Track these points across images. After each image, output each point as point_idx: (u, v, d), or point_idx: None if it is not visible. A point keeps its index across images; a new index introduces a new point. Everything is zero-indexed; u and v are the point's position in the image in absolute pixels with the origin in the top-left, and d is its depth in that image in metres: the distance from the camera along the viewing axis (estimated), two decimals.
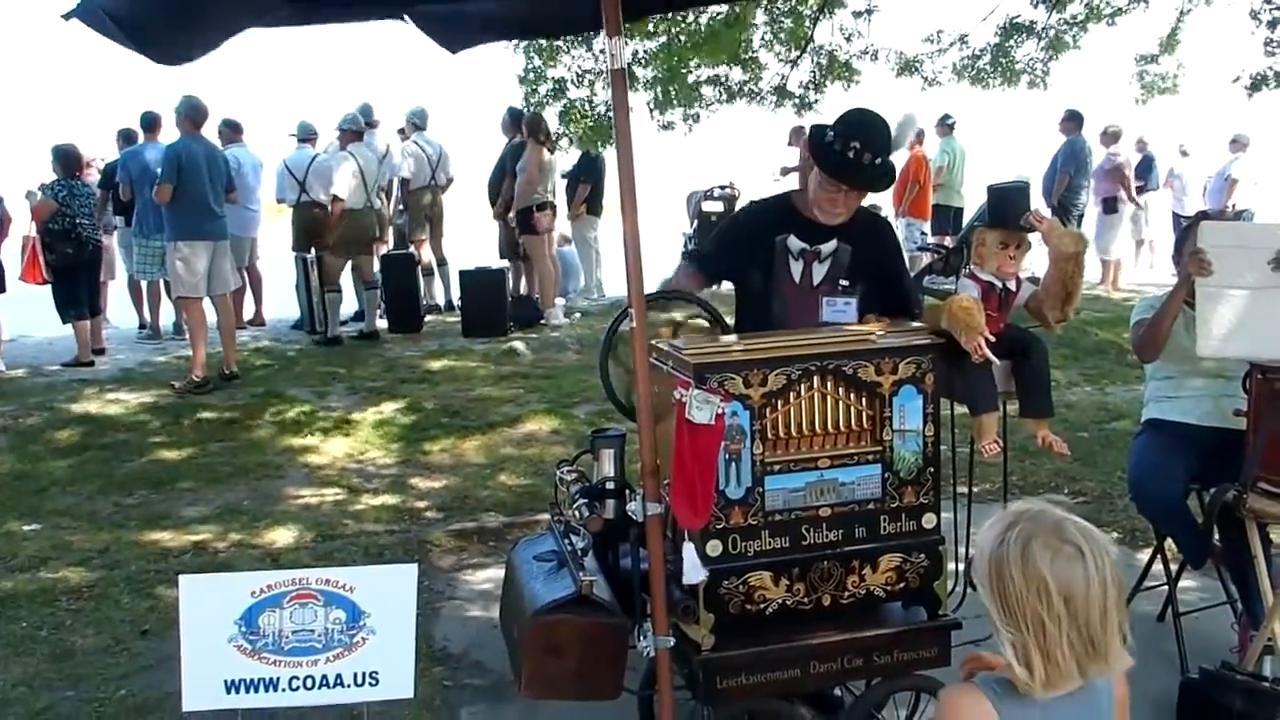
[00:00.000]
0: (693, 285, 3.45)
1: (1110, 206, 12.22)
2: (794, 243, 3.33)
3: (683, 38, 9.49)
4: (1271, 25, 9.56)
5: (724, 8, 9.02)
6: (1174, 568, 4.00)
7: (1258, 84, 9.77)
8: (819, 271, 3.33)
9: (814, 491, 2.72)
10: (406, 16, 3.03)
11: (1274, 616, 3.42)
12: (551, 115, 10.09)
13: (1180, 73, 10.70)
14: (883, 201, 12.53)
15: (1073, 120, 11.72)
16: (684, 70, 9.82)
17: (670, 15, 9.21)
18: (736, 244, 3.55)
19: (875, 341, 2.77)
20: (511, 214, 10.25)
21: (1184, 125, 13.70)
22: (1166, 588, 4.00)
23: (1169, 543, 4.03)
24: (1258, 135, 13.39)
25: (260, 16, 2.77)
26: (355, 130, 9.81)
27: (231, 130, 10.03)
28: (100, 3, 2.40)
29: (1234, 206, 12.50)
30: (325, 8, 3.01)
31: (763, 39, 10.12)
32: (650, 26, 9.44)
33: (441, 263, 11.33)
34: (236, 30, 2.66)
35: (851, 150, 3.18)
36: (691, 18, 9.46)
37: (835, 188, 3.26)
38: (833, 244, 3.31)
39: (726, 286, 3.60)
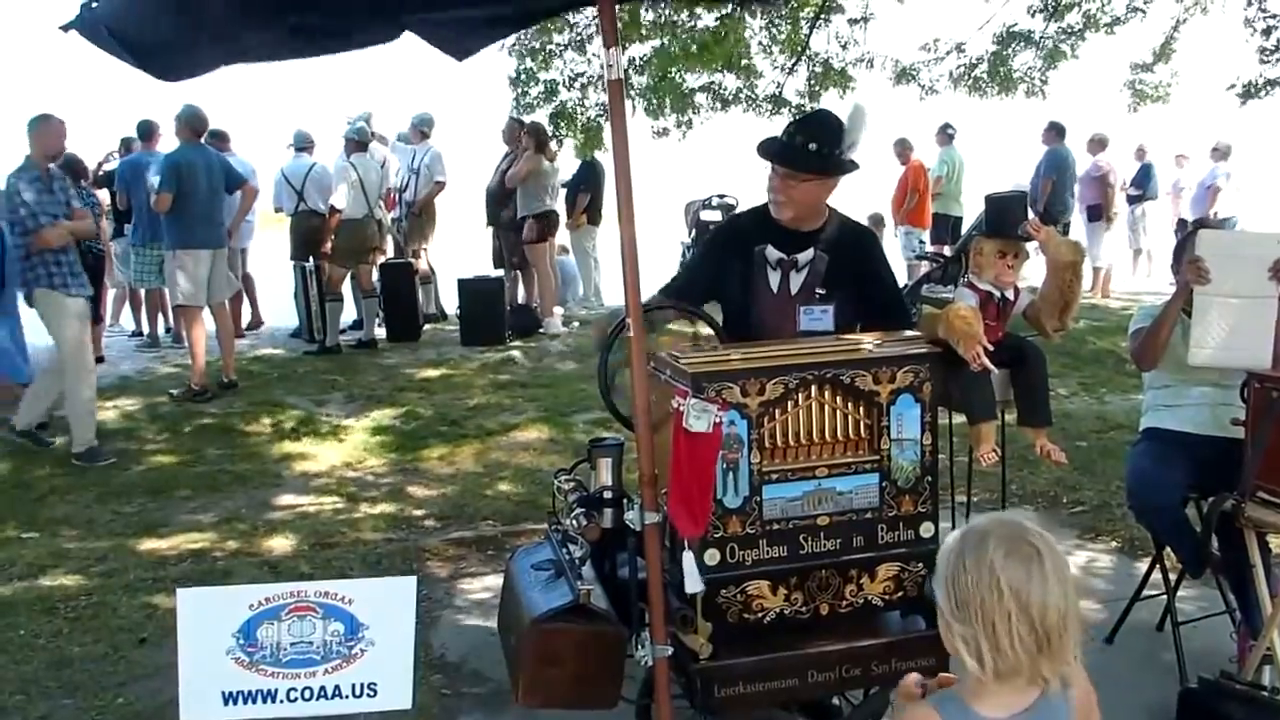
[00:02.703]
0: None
1: (1095, 214, 12.28)
2: (771, 252, 3.36)
3: (676, 45, 9.52)
4: (1266, 33, 9.62)
5: (717, 15, 9.06)
6: (1173, 577, 4.00)
7: (1251, 91, 9.83)
8: (796, 281, 3.36)
9: (812, 500, 2.72)
10: (410, 30, 3.03)
11: (1273, 626, 3.41)
12: (542, 117, 10.12)
13: (1174, 81, 10.76)
14: (884, 211, 12.57)
15: (1053, 130, 11.91)
16: (677, 77, 9.85)
17: (662, 19, 9.24)
18: (716, 255, 3.58)
19: (873, 350, 2.78)
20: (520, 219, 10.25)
21: (1182, 133, 13.77)
22: (1165, 597, 4.00)
23: (1168, 552, 4.03)
24: (1254, 142, 13.47)
25: (256, 51, 2.78)
26: (361, 141, 9.83)
27: (218, 140, 10.04)
28: (99, 16, 2.40)
29: (1216, 214, 12.57)
30: (325, 38, 3.00)
31: (760, 45, 10.16)
32: (643, 30, 9.47)
33: (433, 271, 11.35)
34: (231, 62, 2.67)
35: (786, 134, 3.28)
36: (686, 21, 9.49)
37: (775, 175, 3.30)
38: (809, 253, 3.34)
39: None
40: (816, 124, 3.29)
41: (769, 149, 3.31)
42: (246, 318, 10.86)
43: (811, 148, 3.22)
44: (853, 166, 3.32)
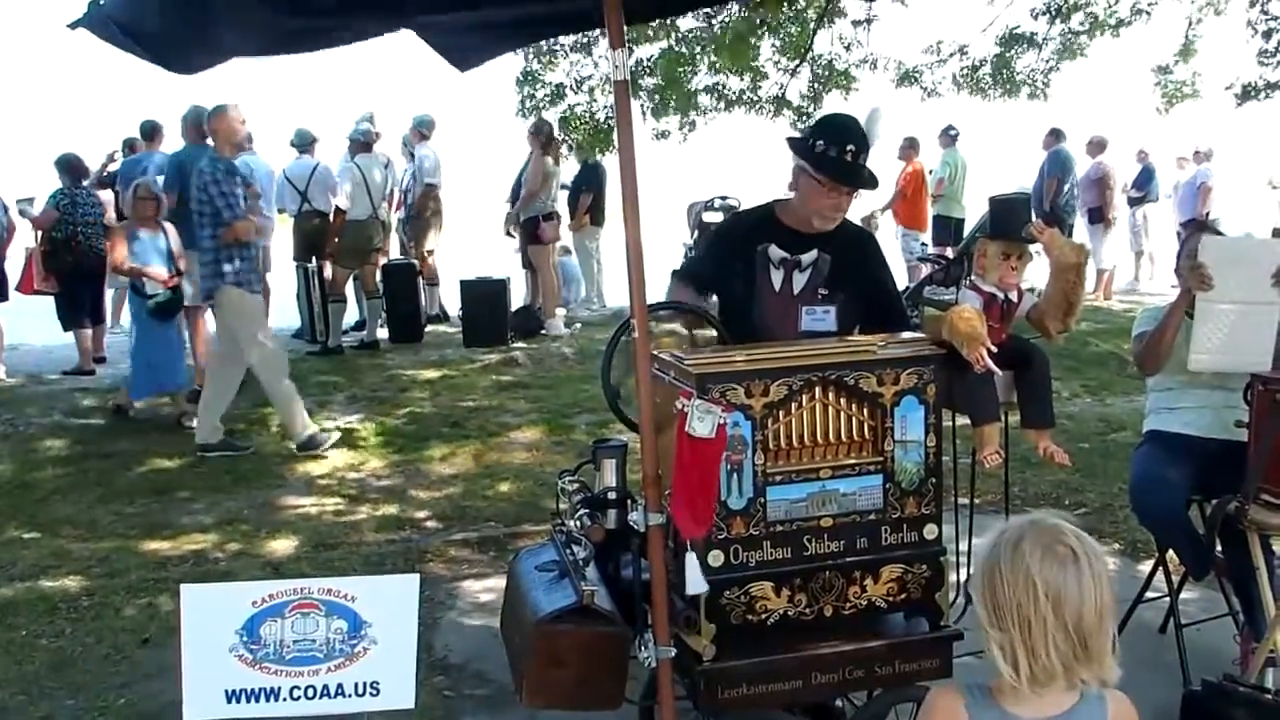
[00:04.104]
0: (686, 299, 3.46)
1: (1095, 216, 12.32)
2: (775, 252, 3.37)
3: (697, 45, 9.52)
4: (1266, 36, 9.64)
5: (738, 11, 9.06)
6: (1175, 579, 4.00)
7: (1249, 93, 9.86)
8: (799, 281, 3.37)
9: (815, 502, 2.71)
10: (418, 34, 3.03)
11: (1276, 628, 3.41)
12: (550, 119, 10.13)
13: (1198, 80, 10.79)
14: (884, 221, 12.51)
15: (1053, 135, 12.05)
16: (683, 78, 9.86)
17: (673, 22, 9.26)
18: (720, 253, 3.59)
19: (877, 352, 2.77)
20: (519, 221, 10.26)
21: (1184, 136, 13.77)
22: (1168, 599, 3.99)
23: (1171, 554, 4.03)
24: (1255, 145, 13.48)
25: (260, 46, 2.78)
26: (365, 141, 9.83)
27: None
28: (109, 11, 2.40)
29: (1208, 214, 12.60)
30: (326, 32, 3.01)
31: (771, 46, 10.18)
32: (650, 31, 9.49)
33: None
34: (239, 55, 2.68)
35: (848, 154, 3.26)
36: (702, 21, 9.50)
37: (838, 192, 3.31)
38: (813, 254, 3.36)
39: None
40: (855, 134, 3.29)
41: (839, 173, 3.27)
42: None
43: (862, 161, 3.27)
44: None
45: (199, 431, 6.87)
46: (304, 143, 10.29)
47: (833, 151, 3.25)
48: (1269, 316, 3.62)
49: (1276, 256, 3.66)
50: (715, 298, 3.55)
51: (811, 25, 10.03)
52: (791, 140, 3.45)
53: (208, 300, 6.79)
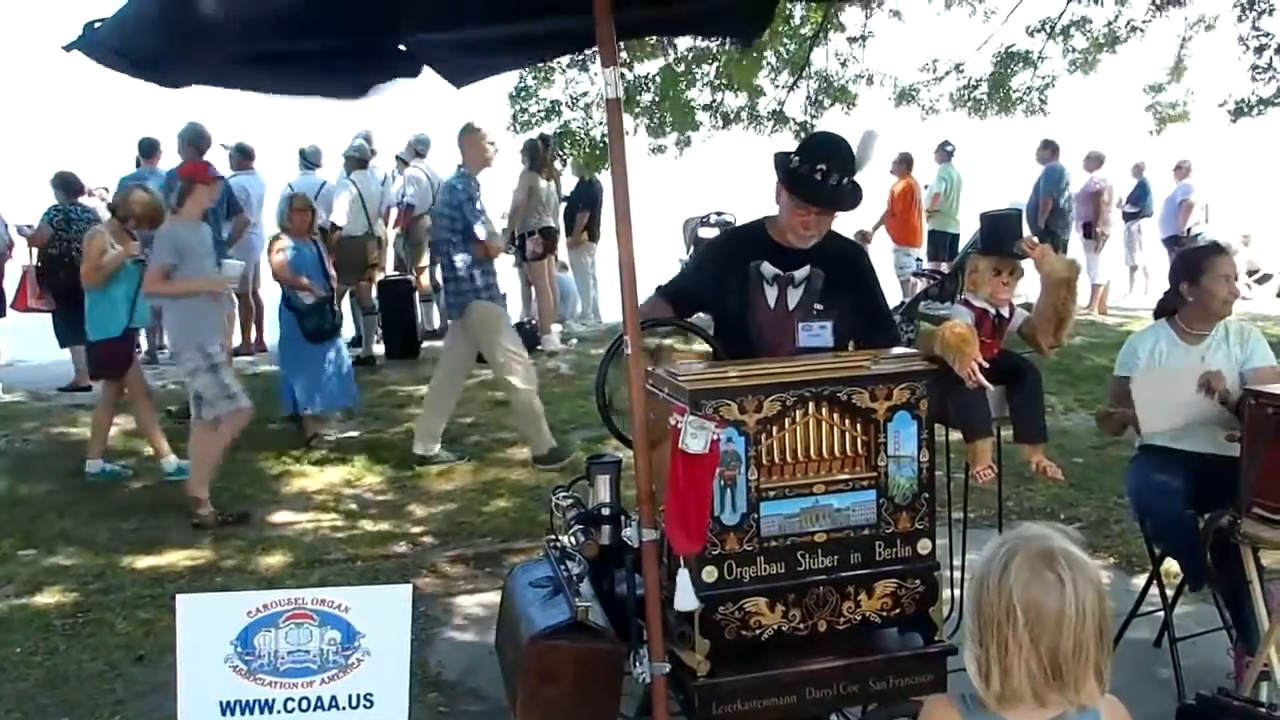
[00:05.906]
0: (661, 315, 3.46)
1: (1089, 231, 12.36)
2: (768, 268, 3.38)
3: (696, 63, 9.53)
4: (1259, 51, 9.71)
5: None
6: (1170, 593, 4.01)
7: (1242, 109, 9.92)
8: (793, 297, 3.38)
9: (809, 517, 2.72)
10: (418, 57, 3.05)
11: (1269, 642, 3.42)
12: (545, 135, 10.15)
13: (1189, 99, 10.87)
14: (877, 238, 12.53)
15: (1048, 149, 12.04)
16: (680, 95, 9.89)
17: (670, 40, 9.29)
18: (711, 271, 3.59)
19: (870, 368, 2.78)
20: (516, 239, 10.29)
21: (1182, 150, 13.79)
22: (1163, 613, 4.00)
23: (1165, 568, 4.03)
24: (1256, 159, 13.51)
25: (260, 83, 2.82)
26: (360, 158, 9.86)
27: (243, 156, 10.05)
28: (102, 35, 2.42)
29: (1189, 230, 12.63)
30: (336, 75, 3.05)
31: (767, 61, 10.22)
32: (649, 49, 9.53)
33: (436, 289, 11.34)
34: (235, 87, 2.71)
35: (819, 173, 3.24)
36: (700, 39, 9.53)
37: (806, 211, 3.30)
38: (806, 269, 3.36)
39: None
40: (836, 154, 3.28)
41: (806, 191, 3.27)
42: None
43: (835, 181, 3.25)
44: (861, 192, 3.39)
45: (417, 443, 6.89)
46: (312, 160, 10.30)
47: (804, 169, 3.25)
48: (1207, 415, 3.77)
49: (1200, 370, 3.78)
50: (703, 313, 3.56)
51: (808, 41, 10.07)
52: (776, 155, 3.45)
53: (457, 314, 6.83)
